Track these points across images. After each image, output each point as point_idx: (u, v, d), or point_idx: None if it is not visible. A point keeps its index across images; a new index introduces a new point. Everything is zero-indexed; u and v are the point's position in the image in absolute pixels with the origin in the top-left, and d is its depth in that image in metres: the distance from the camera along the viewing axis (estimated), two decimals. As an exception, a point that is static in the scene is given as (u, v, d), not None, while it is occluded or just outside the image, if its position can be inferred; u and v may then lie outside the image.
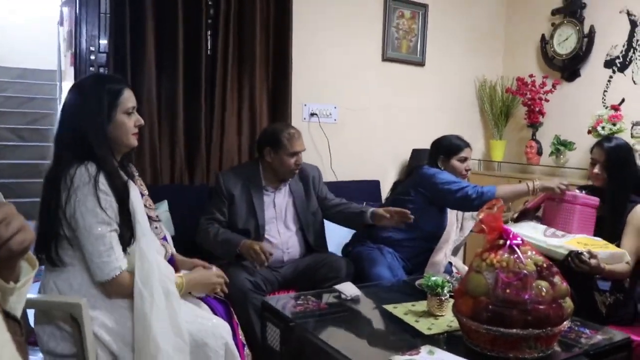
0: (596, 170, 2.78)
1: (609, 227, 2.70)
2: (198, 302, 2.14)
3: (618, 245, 2.65)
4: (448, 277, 2.73)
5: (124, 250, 1.86)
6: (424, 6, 4.10)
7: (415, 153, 3.98)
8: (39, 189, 1.91)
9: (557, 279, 1.88)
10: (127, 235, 1.87)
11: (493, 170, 4.48)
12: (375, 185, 3.93)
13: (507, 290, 1.80)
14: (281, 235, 2.92)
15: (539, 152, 4.16)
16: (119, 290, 1.84)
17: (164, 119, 3.16)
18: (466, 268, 3.20)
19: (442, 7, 4.21)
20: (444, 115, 4.34)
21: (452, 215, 3.14)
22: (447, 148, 3.12)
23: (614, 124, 3.59)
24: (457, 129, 4.32)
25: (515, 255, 1.87)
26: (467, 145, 3.14)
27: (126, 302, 1.86)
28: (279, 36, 3.45)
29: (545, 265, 1.89)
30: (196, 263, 2.25)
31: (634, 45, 3.71)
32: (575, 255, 2.44)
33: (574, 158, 3.91)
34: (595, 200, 2.75)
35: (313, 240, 3.03)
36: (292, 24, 3.45)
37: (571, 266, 2.41)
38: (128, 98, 1.94)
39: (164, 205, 2.95)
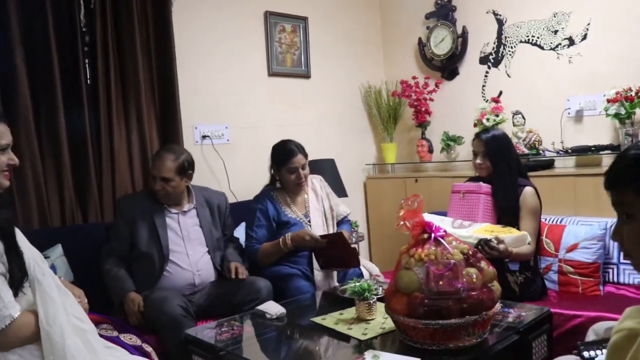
0: (478, 160, 2.96)
1: (506, 213, 2.85)
2: (111, 346, 1.98)
3: (518, 229, 2.82)
4: (369, 280, 2.76)
5: (16, 294, 1.65)
6: (304, 19, 4.14)
7: (312, 164, 3.97)
8: None
9: (483, 264, 1.94)
10: (17, 276, 1.64)
11: (387, 172, 4.60)
12: (276, 201, 3.88)
13: (440, 282, 1.82)
14: (190, 257, 2.81)
15: (430, 150, 4.32)
16: (16, 339, 1.62)
17: (48, 155, 2.92)
18: (376, 267, 3.24)
19: (320, 18, 4.27)
20: (335, 125, 4.39)
21: (317, 219, 3.15)
22: (276, 157, 3.10)
23: (497, 115, 3.81)
24: (348, 136, 4.46)
25: (442, 247, 1.91)
26: (298, 152, 3.03)
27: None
28: (162, 60, 3.33)
29: (470, 252, 1.94)
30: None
31: (503, 42, 3.97)
32: (484, 242, 2.57)
33: (464, 151, 4.10)
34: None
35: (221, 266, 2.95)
36: (175, 47, 3.34)
37: (482, 253, 2.51)
38: (2, 133, 1.73)
39: (57, 250, 2.71)
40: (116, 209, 2.79)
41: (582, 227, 3.08)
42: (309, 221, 3.09)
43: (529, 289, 2.84)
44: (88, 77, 3.08)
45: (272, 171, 3.15)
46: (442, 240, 1.92)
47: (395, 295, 1.93)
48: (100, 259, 2.76)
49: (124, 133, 3.21)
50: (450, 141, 4.13)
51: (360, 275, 3.07)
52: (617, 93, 3.25)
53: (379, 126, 4.53)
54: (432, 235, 1.92)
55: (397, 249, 3.50)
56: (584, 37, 3.57)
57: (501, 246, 2.56)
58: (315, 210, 3.15)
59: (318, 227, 3.11)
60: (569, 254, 3.03)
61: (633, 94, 3.20)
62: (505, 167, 2.88)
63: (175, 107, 3.37)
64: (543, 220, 3.04)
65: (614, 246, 3.04)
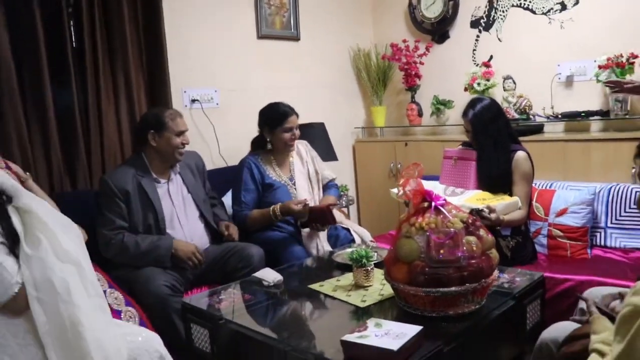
0: (469, 139, 2.97)
1: (497, 179, 2.87)
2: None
3: (510, 194, 2.85)
4: (363, 246, 2.78)
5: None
6: (293, -21, 4.06)
7: (302, 128, 3.96)
8: None
9: (482, 232, 1.97)
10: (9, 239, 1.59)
11: (376, 136, 4.59)
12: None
13: (441, 251, 1.84)
14: (183, 227, 2.80)
15: (420, 114, 4.31)
16: (26, 303, 1.59)
17: (33, 122, 2.85)
18: (367, 233, 3.27)
19: (310, -21, 4.20)
20: (324, 88, 4.36)
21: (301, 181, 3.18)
22: (271, 119, 3.11)
23: (488, 80, 3.81)
24: (337, 100, 4.43)
25: (442, 216, 1.92)
26: (292, 113, 3.11)
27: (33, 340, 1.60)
28: (150, 22, 3.24)
29: (470, 220, 1.96)
30: None
31: (494, 5, 3.94)
32: (476, 212, 2.59)
33: (454, 115, 4.10)
34: None
35: (214, 228, 2.97)
36: (163, 10, 3.26)
37: None
38: None
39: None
40: (105, 185, 2.66)
41: (572, 192, 3.13)
42: (294, 184, 3.13)
43: (520, 254, 2.89)
44: (73, 40, 3.00)
45: (264, 133, 3.15)
46: (442, 209, 1.93)
47: (395, 263, 1.95)
48: (105, 240, 2.61)
49: (112, 97, 3.14)
50: (441, 105, 4.13)
51: (352, 241, 3.10)
52: (608, 59, 3.26)
53: (368, 89, 4.51)
54: (433, 203, 1.94)
55: (386, 212, 3.54)
56: (576, 2, 3.55)
57: (493, 215, 2.59)
58: (300, 174, 3.19)
59: (303, 190, 3.14)
60: (559, 218, 3.08)
61: (624, 60, 3.22)
62: (488, 142, 2.87)
63: (164, 70, 3.30)
64: (533, 185, 3.07)
65: (601, 211, 3.09)
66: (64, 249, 1.56)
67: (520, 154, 2.88)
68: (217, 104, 3.71)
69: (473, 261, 1.86)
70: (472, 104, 2.94)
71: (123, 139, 3.17)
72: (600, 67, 3.28)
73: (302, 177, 3.18)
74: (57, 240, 1.56)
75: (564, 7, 3.61)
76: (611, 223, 3.07)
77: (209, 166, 3.52)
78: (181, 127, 2.77)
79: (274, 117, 3.08)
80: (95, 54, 3.03)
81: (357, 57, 4.52)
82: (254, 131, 3.90)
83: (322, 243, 3.00)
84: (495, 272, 1.96)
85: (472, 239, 1.90)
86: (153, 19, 3.25)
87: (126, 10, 3.12)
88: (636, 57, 3.21)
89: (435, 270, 1.84)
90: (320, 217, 2.95)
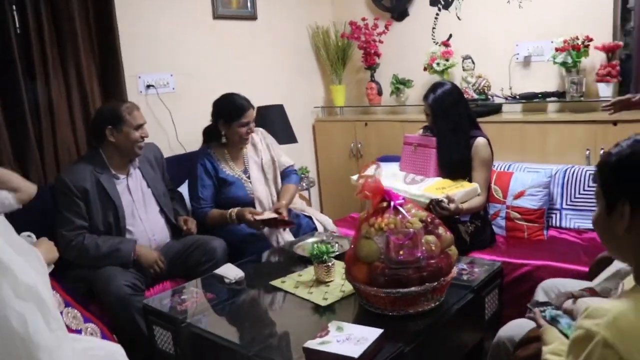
0: (428, 123, 2.99)
1: (456, 166, 2.91)
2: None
3: (470, 180, 2.89)
4: (324, 236, 2.80)
5: None
6: (249, -45, 3.96)
7: (261, 110, 3.93)
8: None
9: (441, 230, 1.99)
10: None
11: (336, 115, 4.58)
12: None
13: (400, 252, 1.86)
14: (144, 222, 2.77)
15: (380, 93, 4.31)
16: None
17: (-23, 116, 2.75)
18: (330, 221, 3.28)
19: (266, -45, 4.10)
20: (283, 67, 4.31)
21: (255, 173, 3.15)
22: (226, 112, 3.04)
23: (447, 60, 3.82)
24: (296, 79, 4.41)
25: (401, 216, 1.94)
26: (249, 107, 3.04)
27: None
28: (100, 5, 3.13)
29: (429, 219, 1.98)
30: None
31: (454, -17, 3.93)
32: (436, 203, 2.64)
33: (414, 95, 4.11)
34: None
35: (174, 222, 2.95)
36: (113, -10, 3.15)
37: (434, 213, 2.60)
38: None
39: (-1, 217, 2.60)
40: (62, 184, 2.59)
41: (529, 175, 3.19)
42: (248, 177, 3.11)
43: (479, 238, 2.96)
44: (17, 26, 2.87)
45: (219, 126, 3.07)
46: (401, 209, 1.95)
47: (355, 263, 1.97)
48: (64, 241, 2.55)
49: (63, 86, 3.04)
50: (400, 84, 4.13)
51: (315, 229, 3.11)
52: (564, 42, 3.30)
53: (328, 68, 4.48)
54: (392, 203, 1.96)
55: (347, 193, 3.55)
56: (534, -18, 3.57)
57: (452, 205, 2.63)
58: (255, 165, 3.15)
59: (258, 183, 3.12)
60: (516, 201, 3.16)
61: (580, 42, 3.26)
62: (449, 127, 2.89)
63: (117, 56, 3.20)
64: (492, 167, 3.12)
65: (557, 193, 3.17)
66: (24, 283, 1.50)
67: (480, 140, 2.91)
68: (173, 88, 3.63)
69: (432, 261, 1.89)
70: (433, 88, 2.96)
71: (77, 130, 3.08)
72: (557, 49, 3.32)
73: (256, 168, 3.14)
74: (16, 277, 1.49)
75: (522, -14, 3.62)
76: (566, 204, 3.15)
77: (167, 153, 3.48)
78: (139, 121, 2.72)
79: (230, 110, 3.02)
80: (42, 40, 2.91)
81: (315, 35, 4.47)
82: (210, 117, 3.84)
83: (282, 235, 3.01)
84: (454, 269, 2.00)
85: (431, 238, 1.93)
86: (103, 2, 3.14)
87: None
88: (591, 40, 3.26)
89: (395, 272, 1.86)
90: (273, 224, 2.94)
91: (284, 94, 4.20)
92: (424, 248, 1.89)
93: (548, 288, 2.07)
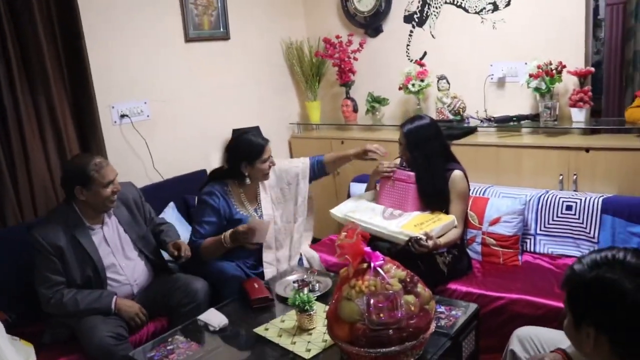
0: (400, 152, 3.10)
1: (433, 198, 3.03)
2: None
3: (447, 211, 3.01)
4: (305, 276, 2.88)
5: None
6: (219, -25, 3.98)
7: (236, 132, 3.99)
8: None
9: (420, 287, 2.10)
10: None
11: (312, 131, 4.65)
12: (202, 174, 3.86)
13: (381, 314, 1.97)
14: (124, 269, 2.81)
15: (355, 109, 4.39)
16: None
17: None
18: (316, 257, 3.36)
19: (237, -27, 4.13)
20: (257, 85, 4.36)
21: (268, 210, 3.16)
22: (247, 153, 3.03)
23: (422, 80, 3.91)
24: (271, 95, 4.45)
25: (380, 277, 2.04)
26: (267, 141, 3.07)
27: None
28: (68, 37, 3.14)
29: (408, 279, 2.09)
30: None
31: (427, 1, 4.01)
32: (414, 241, 2.74)
33: (390, 112, 4.20)
34: None
35: (156, 261, 2.99)
36: (82, 22, 3.16)
37: (412, 250, 2.73)
38: None
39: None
40: (35, 241, 2.60)
41: (504, 201, 3.31)
42: (260, 216, 3.10)
43: (456, 267, 3.07)
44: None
45: (241, 169, 3.02)
46: (380, 271, 2.05)
47: (337, 321, 2.07)
48: (44, 299, 2.60)
49: (35, 124, 3.06)
50: (375, 102, 4.22)
51: (301, 261, 3.23)
52: (538, 67, 3.41)
53: (302, 84, 4.54)
54: (372, 264, 2.05)
55: (325, 211, 3.61)
56: (508, 4, 3.67)
57: (430, 242, 2.73)
58: (266, 203, 3.16)
59: (269, 217, 3.12)
60: (492, 227, 3.27)
61: (553, 68, 3.38)
62: (422, 160, 3.00)
63: (89, 87, 3.23)
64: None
65: (531, 218, 3.30)
66: None
67: (456, 173, 3.02)
68: (148, 115, 3.66)
69: (412, 321, 1.99)
70: (411, 119, 3.09)
71: (52, 168, 3.11)
72: (531, 75, 3.43)
73: (269, 206, 3.16)
74: None
75: (496, 7, 3.72)
76: (540, 230, 3.28)
77: (144, 182, 3.54)
78: (109, 177, 2.69)
79: (251, 151, 2.99)
80: (10, 76, 2.94)
81: (289, 50, 4.52)
82: (188, 140, 3.90)
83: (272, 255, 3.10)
84: (433, 325, 2.11)
85: (410, 298, 2.03)
86: (72, 34, 3.15)
87: (41, 28, 3.01)
88: (564, 67, 3.38)
89: (376, 333, 1.97)
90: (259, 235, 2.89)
91: (260, 111, 4.27)
92: (403, 309, 2.00)
93: (523, 337, 2.18)
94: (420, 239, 2.74)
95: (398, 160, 3.20)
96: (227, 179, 3.10)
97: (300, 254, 3.28)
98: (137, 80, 3.60)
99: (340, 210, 3.17)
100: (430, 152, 3.00)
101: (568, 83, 3.48)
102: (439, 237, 2.85)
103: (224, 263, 2.99)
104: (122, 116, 3.52)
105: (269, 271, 3.08)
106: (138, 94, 3.61)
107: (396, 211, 3.02)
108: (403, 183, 3.05)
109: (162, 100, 3.73)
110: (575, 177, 3.27)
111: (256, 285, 2.73)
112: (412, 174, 3.04)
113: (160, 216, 3.30)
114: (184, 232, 3.27)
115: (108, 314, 2.63)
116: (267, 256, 3.11)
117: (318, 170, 3.31)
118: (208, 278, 2.93)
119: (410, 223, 2.88)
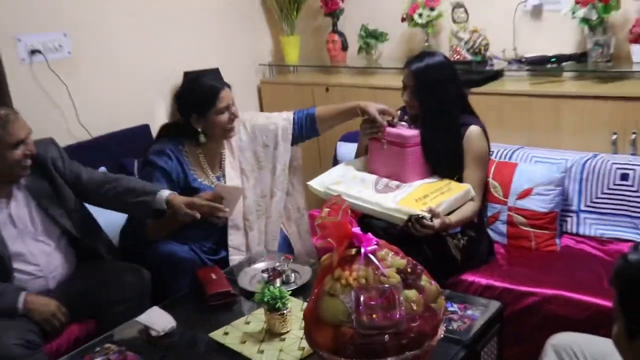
0: (405, 97, 3.00)
1: (444, 162, 2.97)
2: None
3: (460, 178, 2.96)
4: (277, 264, 2.85)
5: None
6: None
7: (189, 76, 3.93)
8: None
9: (424, 280, 2.05)
10: None
11: (287, 74, 4.60)
12: (144, 131, 3.85)
13: (374, 315, 1.93)
14: (37, 257, 2.76)
15: (344, 48, 4.34)
16: None
17: None
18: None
19: None
20: (216, 15, 4.34)
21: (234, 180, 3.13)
22: (196, 102, 2.98)
23: (432, 9, 3.84)
24: (235, 30, 4.41)
25: (373, 266, 2.00)
26: (224, 85, 3.02)
27: None
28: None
29: (410, 269, 2.05)
30: None
31: None
32: (415, 220, 2.65)
33: (389, 51, 4.15)
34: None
35: (86, 244, 2.93)
36: None
37: (413, 232, 2.65)
38: None
39: None
40: None
41: (537, 167, 3.26)
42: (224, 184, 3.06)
43: (474, 253, 3.01)
44: None
45: (192, 123, 2.99)
46: (373, 258, 2.01)
47: (317, 324, 2.02)
48: None
49: None
50: (371, 38, 4.16)
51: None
52: (589, -10, 3.33)
53: (276, 14, 4.48)
54: (362, 250, 2.01)
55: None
56: None
57: (436, 222, 2.65)
58: (231, 169, 3.13)
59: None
60: (521, 201, 3.23)
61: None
62: (434, 104, 2.94)
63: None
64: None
65: (574, 190, 3.25)
66: None
67: (473, 130, 2.94)
68: (69, 52, 3.60)
69: (414, 324, 1.95)
70: (419, 56, 3.00)
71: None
72: (577, 1, 3.36)
73: (234, 174, 3.13)
74: None
75: None
76: (585, 206, 3.23)
77: (66, 140, 3.46)
78: (19, 135, 2.60)
79: (201, 97, 2.95)
80: None
81: (260, -30, 4.46)
82: (125, 86, 3.83)
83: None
84: (441, 329, 2.08)
85: (411, 294, 1.97)
86: None
87: None
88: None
89: (368, 339, 1.93)
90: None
91: (220, 49, 4.24)
92: (403, 308, 1.96)
93: (560, 347, 2.15)
94: (423, 217, 2.66)
95: (399, 113, 3.14)
96: (184, 137, 3.05)
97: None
98: (55, 5, 3.50)
99: (321, 183, 3.08)
100: (445, 98, 2.92)
101: (628, 10, 3.41)
102: (449, 213, 2.79)
103: (174, 245, 2.94)
104: (33, 52, 3.46)
105: (235, 259, 3.05)
106: (55, 23, 3.55)
107: (392, 182, 2.95)
108: (397, 147, 2.97)
109: (89, 33, 3.67)
110: (634, 136, 3.22)
111: (214, 276, 2.70)
112: (413, 132, 2.96)
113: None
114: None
115: (14, 316, 2.57)
116: (234, 239, 3.09)
117: (307, 128, 3.25)
118: (152, 267, 2.90)
119: (410, 196, 2.79)
